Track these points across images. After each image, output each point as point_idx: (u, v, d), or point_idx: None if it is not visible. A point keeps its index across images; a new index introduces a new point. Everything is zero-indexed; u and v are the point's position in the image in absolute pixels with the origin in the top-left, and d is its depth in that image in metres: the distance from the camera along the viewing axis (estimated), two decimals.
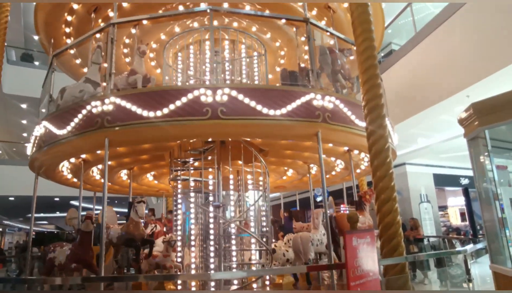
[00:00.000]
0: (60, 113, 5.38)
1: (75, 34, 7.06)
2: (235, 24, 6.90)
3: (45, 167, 6.34)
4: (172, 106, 4.60)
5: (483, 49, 7.28)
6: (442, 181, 15.38)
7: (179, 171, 6.04)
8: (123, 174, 7.54)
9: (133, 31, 6.42)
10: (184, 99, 4.61)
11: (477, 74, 7.35)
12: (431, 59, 8.76)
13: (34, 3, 6.66)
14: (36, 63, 15.60)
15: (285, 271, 5.98)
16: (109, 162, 6.44)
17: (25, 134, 17.79)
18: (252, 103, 4.66)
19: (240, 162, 5.89)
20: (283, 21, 6.12)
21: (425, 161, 14.25)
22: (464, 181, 16.20)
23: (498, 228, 3.86)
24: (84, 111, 4.93)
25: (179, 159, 6.04)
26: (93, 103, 4.88)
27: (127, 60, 7.84)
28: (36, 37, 11.57)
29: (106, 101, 4.80)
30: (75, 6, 6.47)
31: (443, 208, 18.15)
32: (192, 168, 5.97)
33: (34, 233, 24.52)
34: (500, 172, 3.90)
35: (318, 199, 13.62)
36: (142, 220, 5.94)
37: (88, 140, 4.97)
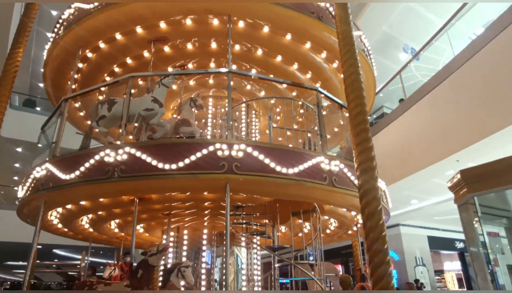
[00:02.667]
0: (162, 143, 4.95)
1: (82, 80, 7.33)
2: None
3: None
4: (301, 167, 4.90)
5: (472, 115, 7.60)
6: (437, 244, 15.14)
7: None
8: (113, 225, 7.37)
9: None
10: (310, 163, 4.96)
11: (466, 140, 7.60)
12: (421, 123, 9.12)
13: (45, 55, 7.03)
14: (38, 108, 15.93)
15: None
16: (100, 212, 6.34)
17: (16, 178, 17.54)
18: (352, 177, 5.28)
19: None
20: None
21: (419, 223, 14.16)
22: (460, 245, 15.94)
23: None
24: (204, 151, 4.64)
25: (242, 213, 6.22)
26: (217, 145, 4.67)
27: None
28: (41, 85, 11.98)
29: (235, 147, 4.67)
30: (89, 55, 6.76)
31: (439, 272, 17.59)
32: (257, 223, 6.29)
33: (8, 283, 22.99)
34: (492, 239, 3.91)
35: (311, 258, 13.22)
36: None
37: (204, 182, 4.67)
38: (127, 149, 4.68)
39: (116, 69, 7.11)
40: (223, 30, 6.12)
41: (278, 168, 4.75)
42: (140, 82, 7.29)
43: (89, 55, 6.76)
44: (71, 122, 8.12)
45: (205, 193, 5.39)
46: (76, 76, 7.27)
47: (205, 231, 7.25)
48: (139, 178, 4.55)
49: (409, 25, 13.54)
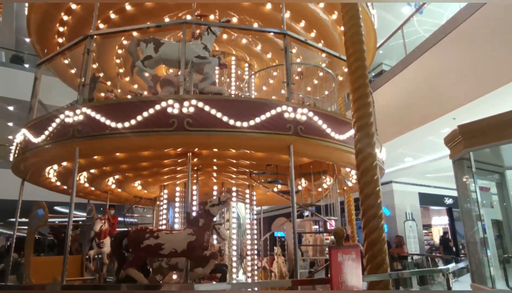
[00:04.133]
0: (229, 99, 5.03)
1: (68, 34, 6.93)
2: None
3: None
4: (348, 134, 5.15)
5: (471, 72, 7.48)
6: (427, 200, 15.63)
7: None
8: (111, 181, 7.42)
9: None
10: (350, 133, 5.14)
11: (464, 97, 7.55)
12: (420, 81, 8.99)
13: (27, 5, 6.63)
14: (26, 65, 15.38)
15: (270, 285, 5.95)
16: (93, 171, 6.34)
17: (10, 137, 17.40)
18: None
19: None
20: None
21: (411, 180, 14.49)
22: (448, 201, 16.49)
23: (480, 248, 3.95)
24: (273, 112, 4.75)
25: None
26: (284, 107, 4.78)
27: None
28: (27, 40, 11.48)
29: (299, 110, 4.83)
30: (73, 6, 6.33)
31: (427, 226, 18.37)
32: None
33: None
34: (483, 194, 4.01)
35: (305, 214, 13.66)
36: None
37: (272, 142, 4.79)
38: (193, 101, 4.55)
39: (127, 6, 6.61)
40: None
41: (332, 134, 4.98)
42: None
43: None
44: (60, 77, 7.89)
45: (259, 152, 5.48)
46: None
47: (215, 187, 7.37)
48: (208, 132, 4.51)
49: None
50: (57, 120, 4.91)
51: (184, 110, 4.48)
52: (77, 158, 4.75)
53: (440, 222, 18.74)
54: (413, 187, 14.78)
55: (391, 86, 10.10)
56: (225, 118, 4.52)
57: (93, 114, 4.70)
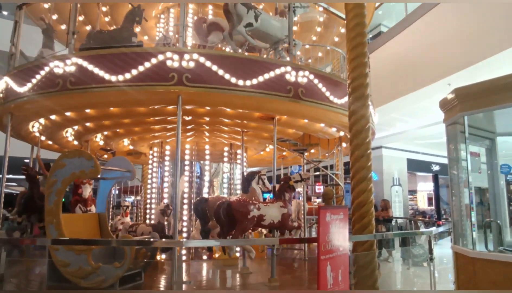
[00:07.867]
0: (324, 75, 5.46)
1: None
2: None
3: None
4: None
5: (469, 38, 7.36)
6: (415, 166, 15.91)
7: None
8: (98, 138, 7.25)
9: None
10: None
11: (460, 63, 7.46)
12: (417, 44, 8.80)
13: None
14: (5, 12, 14.42)
15: (257, 243, 6.07)
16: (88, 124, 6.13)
17: None
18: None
19: None
20: None
21: (400, 146, 14.64)
22: (435, 168, 16.83)
23: (465, 213, 4.02)
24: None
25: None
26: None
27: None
28: None
29: None
30: None
31: (412, 192, 18.89)
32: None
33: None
34: (473, 159, 4.01)
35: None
36: None
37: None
38: (307, 73, 5.07)
39: None
40: None
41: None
42: None
43: None
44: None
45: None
46: None
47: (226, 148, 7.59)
48: (317, 104, 5.12)
49: None
50: (153, 60, 4.43)
51: (300, 79, 5.00)
52: (180, 107, 4.42)
53: (425, 188, 19.29)
54: (402, 153, 14.97)
55: (388, 49, 9.87)
56: (327, 93, 5.32)
57: (208, 63, 4.46)
